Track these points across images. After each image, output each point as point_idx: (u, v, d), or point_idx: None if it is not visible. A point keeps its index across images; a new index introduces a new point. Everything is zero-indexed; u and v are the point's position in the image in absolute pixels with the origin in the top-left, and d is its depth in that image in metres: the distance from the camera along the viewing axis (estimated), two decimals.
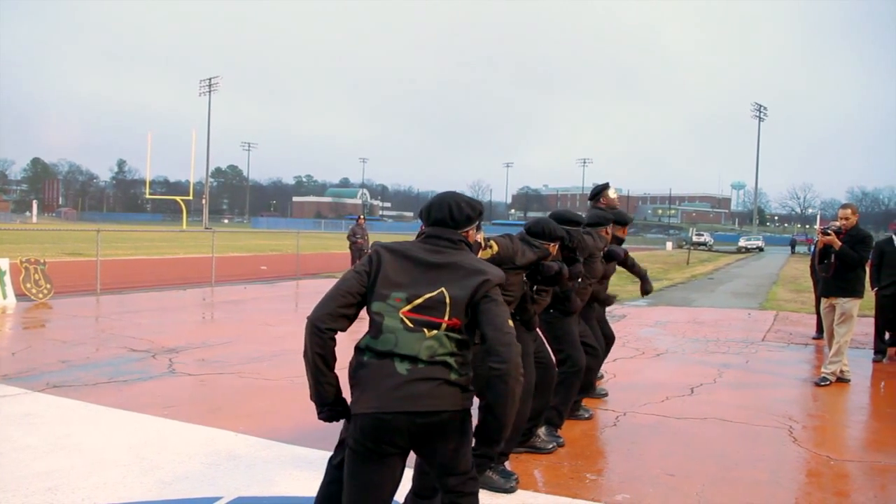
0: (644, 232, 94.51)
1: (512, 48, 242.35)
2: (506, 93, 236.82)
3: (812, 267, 9.21)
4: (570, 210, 4.94)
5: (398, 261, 2.52)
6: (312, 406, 2.56)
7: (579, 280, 4.84)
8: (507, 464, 4.18)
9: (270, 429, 4.98)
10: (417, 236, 2.67)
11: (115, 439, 4.68)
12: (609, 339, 5.96)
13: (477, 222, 2.72)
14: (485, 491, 3.82)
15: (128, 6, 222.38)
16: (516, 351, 2.35)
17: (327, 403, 2.51)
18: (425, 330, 2.41)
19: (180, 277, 17.28)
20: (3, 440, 4.60)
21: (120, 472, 4.08)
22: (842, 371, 7.09)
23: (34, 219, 76.92)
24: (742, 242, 60.09)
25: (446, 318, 2.41)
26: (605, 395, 6.22)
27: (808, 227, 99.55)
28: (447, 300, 2.42)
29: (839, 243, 6.94)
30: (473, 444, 2.56)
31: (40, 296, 12.18)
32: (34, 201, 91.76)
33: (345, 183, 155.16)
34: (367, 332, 2.48)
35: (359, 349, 2.49)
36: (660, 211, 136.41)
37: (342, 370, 2.46)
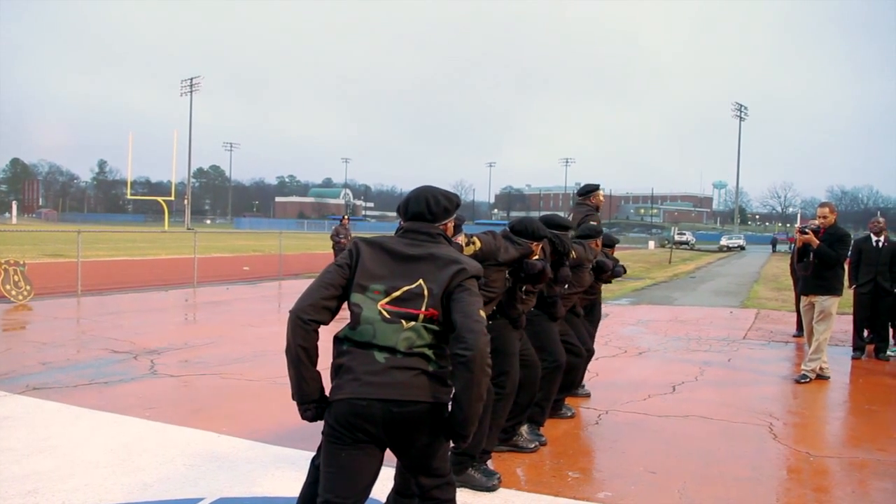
0: (626, 231, 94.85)
1: (494, 47, 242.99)
2: (488, 92, 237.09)
3: (792, 265, 9.31)
4: (559, 215, 4.99)
5: (377, 253, 2.51)
6: (294, 406, 2.53)
7: (566, 286, 4.91)
8: (489, 463, 4.19)
9: (252, 429, 4.96)
10: (396, 232, 2.66)
11: (96, 441, 4.65)
12: (588, 353, 5.88)
13: (455, 214, 2.70)
14: (467, 489, 3.84)
15: (108, 6, 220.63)
16: (484, 340, 2.29)
17: (311, 400, 2.48)
18: (403, 321, 2.40)
19: (162, 278, 17.17)
20: None
21: (101, 473, 4.05)
22: (821, 368, 7.16)
23: (14, 220, 76.14)
24: (724, 241, 60.45)
25: (423, 308, 2.41)
26: (588, 394, 6.24)
27: (788, 225, 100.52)
28: (425, 292, 2.42)
29: (817, 242, 7.02)
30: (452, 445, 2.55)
31: (20, 297, 12.05)
32: (13, 202, 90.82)
33: (327, 183, 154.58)
34: (347, 324, 2.47)
35: (338, 339, 2.47)
36: (642, 210, 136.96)
37: (325, 370, 2.45)
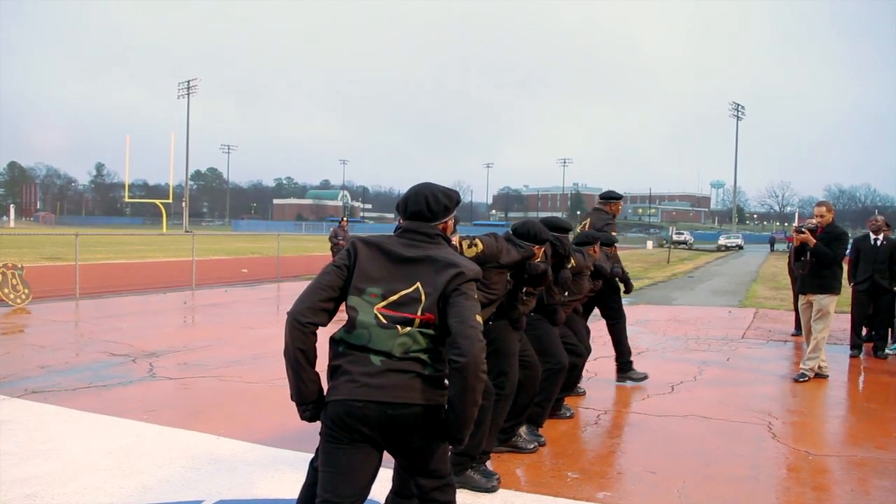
0: (625, 231, 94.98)
1: (491, 48, 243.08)
2: (485, 93, 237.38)
3: (790, 264, 9.32)
4: (559, 217, 5.01)
5: (374, 255, 2.49)
6: (293, 408, 2.53)
7: (566, 294, 4.94)
8: (488, 463, 4.19)
9: (251, 431, 4.96)
10: (395, 231, 2.64)
11: (95, 444, 4.64)
12: (587, 350, 5.95)
13: (454, 212, 2.68)
14: (466, 490, 3.84)
15: (104, 9, 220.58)
16: (479, 346, 2.27)
17: (310, 402, 2.47)
18: (398, 327, 2.38)
19: (161, 281, 17.14)
20: None
21: (100, 477, 4.04)
22: (820, 367, 7.17)
23: (11, 223, 76.07)
24: (722, 241, 60.45)
25: (419, 313, 2.39)
26: (583, 392, 6.25)
27: (786, 225, 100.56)
28: (422, 296, 2.40)
29: (814, 241, 7.02)
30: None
31: (18, 301, 12.04)
32: (11, 205, 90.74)
33: (325, 185, 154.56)
34: (343, 326, 2.46)
35: (334, 340, 2.46)
36: (640, 210, 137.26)
37: (322, 371, 2.45)
